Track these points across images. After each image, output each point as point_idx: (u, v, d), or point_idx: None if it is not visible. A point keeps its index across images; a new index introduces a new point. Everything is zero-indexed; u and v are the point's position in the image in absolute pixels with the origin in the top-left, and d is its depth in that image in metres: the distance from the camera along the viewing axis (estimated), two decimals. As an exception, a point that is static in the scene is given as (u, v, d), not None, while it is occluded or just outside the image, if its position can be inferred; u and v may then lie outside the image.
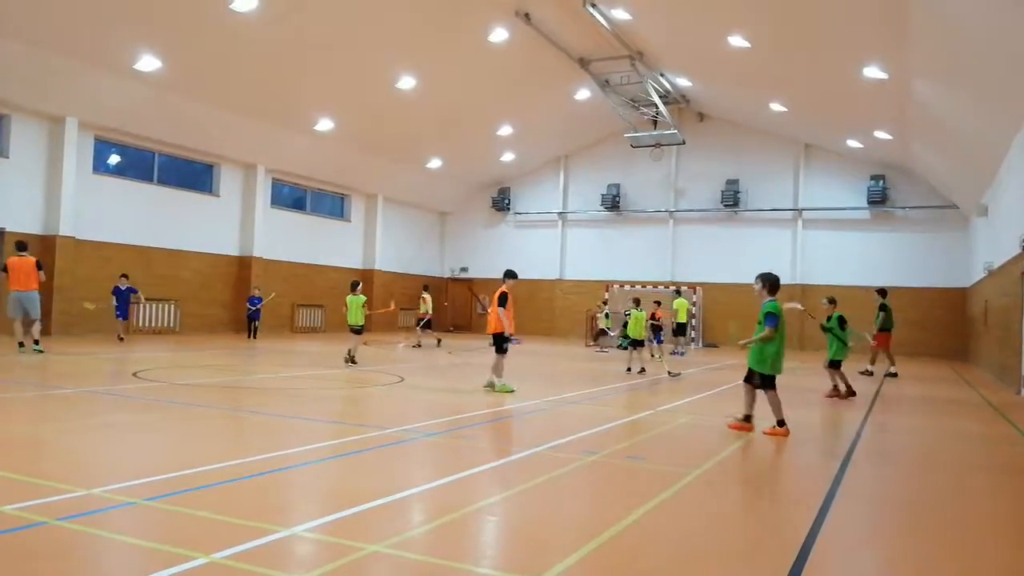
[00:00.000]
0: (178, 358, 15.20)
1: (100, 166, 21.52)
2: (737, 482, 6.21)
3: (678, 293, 24.76)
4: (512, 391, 11.02)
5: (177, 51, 18.67)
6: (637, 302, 16.30)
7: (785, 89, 23.76)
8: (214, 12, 17.28)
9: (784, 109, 25.33)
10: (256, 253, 25.36)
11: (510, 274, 11.79)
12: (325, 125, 24.37)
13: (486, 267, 34.57)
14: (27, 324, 14.33)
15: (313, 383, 12.03)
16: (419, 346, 21.96)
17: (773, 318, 8.11)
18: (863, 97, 20.56)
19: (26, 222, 19.28)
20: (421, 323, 22.68)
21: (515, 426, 8.60)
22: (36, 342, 14.24)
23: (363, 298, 15.72)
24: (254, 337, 22.48)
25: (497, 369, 11.28)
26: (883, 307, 17.39)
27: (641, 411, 9.81)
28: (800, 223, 29.04)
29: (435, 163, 30.28)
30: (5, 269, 14.47)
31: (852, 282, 28.03)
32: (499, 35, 21.18)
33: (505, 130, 28.50)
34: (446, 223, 35.80)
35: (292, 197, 28.58)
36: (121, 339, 18.69)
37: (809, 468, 6.92)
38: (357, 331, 15.31)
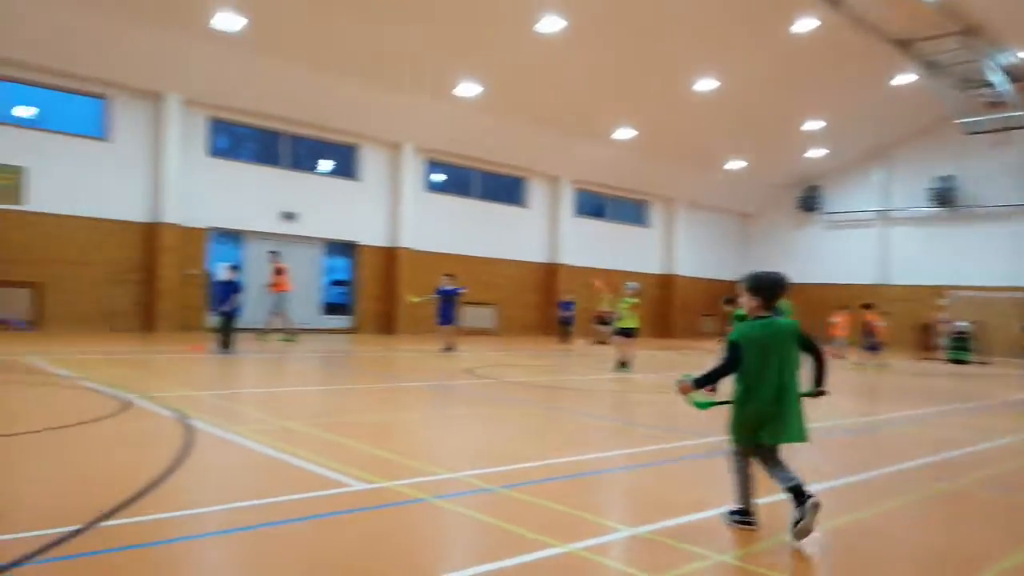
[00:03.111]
0: (501, 357, 16.50)
1: (430, 185, 24.22)
2: None
3: None
4: None
5: (492, 75, 20.40)
6: None
7: None
8: (522, 37, 18.62)
9: None
10: (562, 260, 26.71)
11: None
12: (625, 133, 24.89)
13: (794, 271, 32.25)
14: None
15: (627, 386, 12.27)
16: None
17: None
18: None
19: (373, 236, 22.45)
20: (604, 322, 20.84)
21: (843, 444, 7.98)
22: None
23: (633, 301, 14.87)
24: (568, 341, 23.22)
25: None
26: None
27: (999, 436, 8.55)
28: None
29: (736, 164, 29.35)
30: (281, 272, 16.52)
31: None
32: (804, 25, 19.95)
33: (812, 125, 26.72)
34: (749, 226, 34.50)
35: (593, 205, 29.60)
36: (448, 350, 16.23)
37: None
38: (627, 334, 14.65)
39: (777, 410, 4.14)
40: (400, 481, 5.02)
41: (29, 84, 17.37)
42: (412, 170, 22.84)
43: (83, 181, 17.67)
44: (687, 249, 31.50)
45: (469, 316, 24.50)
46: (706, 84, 22.21)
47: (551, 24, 18.18)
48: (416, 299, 17.96)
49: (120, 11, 15.99)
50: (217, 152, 20.16)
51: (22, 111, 17.89)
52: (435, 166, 24.60)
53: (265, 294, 17.20)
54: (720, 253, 33.42)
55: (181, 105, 18.67)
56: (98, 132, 18.39)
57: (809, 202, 32.01)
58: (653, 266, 30.74)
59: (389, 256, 22.59)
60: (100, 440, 6.17)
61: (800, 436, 4.18)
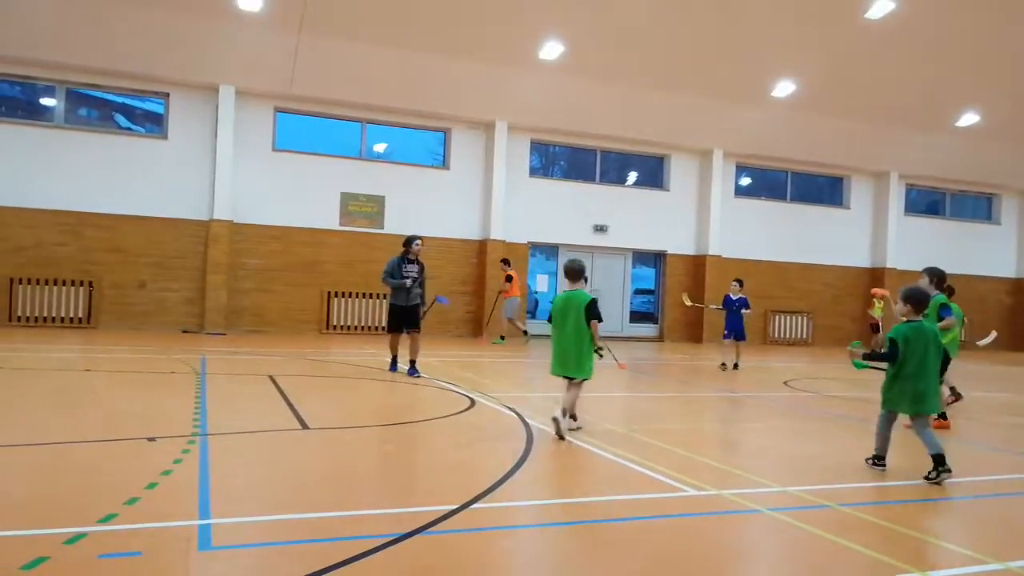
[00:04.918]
0: (818, 370, 15.60)
1: (738, 189, 23.62)
2: None
3: None
4: None
5: (811, 71, 19.33)
6: None
7: None
8: (847, 26, 17.39)
9: None
10: (889, 264, 24.37)
11: None
12: (969, 119, 22.00)
13: None
14: None
15: (964, 406, 10.90)
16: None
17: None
18: None
19: (680, 245, 22.58)
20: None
21: None
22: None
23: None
24: None
25: None
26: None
27: None
28: None
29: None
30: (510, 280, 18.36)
31: None
32: None
33: None
34: None
35: (926, 202, 26.55)
36: (727, 366, 14.24)
37: None
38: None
39: (919, 388, 5.70)
40: (731, 490, 5.11)
41: (383, 124, 20.30)
42: (720, 176, 22.48)
43: (428, 206, 20.11)
44: (1050, 248, 26.84)
45: (782, 326, 23.49)
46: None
47: (880, 9, 16.78)
48: (692, 303, 16.71)
49: (459, 52, 18.00)
50: (534, 172, 21.75)
51: (379, 147, 20.97)
52: (744, 170, 23.95)
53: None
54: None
55: (507, 131, 20.47)
56: (440, 162, 20.91)
57: None
58: (1004, 269, 26.63)
59: (696, 263, 22.48)
60: (461, 431, 7.12)
61: (933, 409, 5.95)
